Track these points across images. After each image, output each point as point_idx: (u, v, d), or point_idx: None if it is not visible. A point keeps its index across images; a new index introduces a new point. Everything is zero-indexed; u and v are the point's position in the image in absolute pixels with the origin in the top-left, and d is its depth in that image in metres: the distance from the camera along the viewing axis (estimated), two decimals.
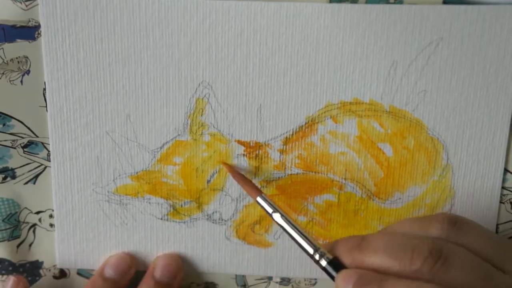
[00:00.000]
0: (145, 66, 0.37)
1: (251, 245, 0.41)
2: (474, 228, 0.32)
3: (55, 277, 0.42)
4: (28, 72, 0.38)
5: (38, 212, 0.41)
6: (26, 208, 0.41)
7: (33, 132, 0.39)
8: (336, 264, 0.31)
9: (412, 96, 0.38)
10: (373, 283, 0.29)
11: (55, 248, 0.41)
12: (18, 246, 0.41)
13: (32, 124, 0.39)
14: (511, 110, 0.38)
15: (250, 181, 0.38)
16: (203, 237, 0.41)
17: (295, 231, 0.34)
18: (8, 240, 0.41)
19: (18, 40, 0.37)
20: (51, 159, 0.39)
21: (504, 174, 0.39)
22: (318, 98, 0.38)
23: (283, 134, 0.39)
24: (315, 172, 0.40)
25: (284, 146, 0.39)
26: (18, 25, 0.37)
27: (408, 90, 0.38)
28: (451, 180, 0.40)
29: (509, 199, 0.40)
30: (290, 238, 0.34)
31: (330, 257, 0.32)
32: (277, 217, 0.35)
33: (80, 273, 0.42)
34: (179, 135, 0.39)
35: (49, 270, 0.42)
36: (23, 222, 0.41)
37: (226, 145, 0.39)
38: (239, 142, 0.39)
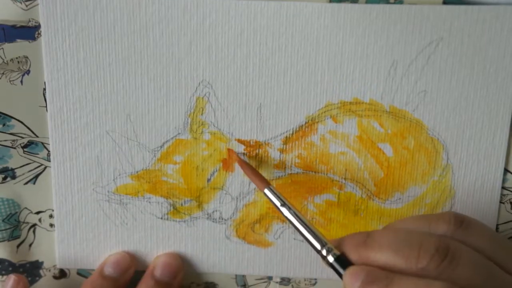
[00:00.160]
0: (145, 66, 0.38)
1: (251, 245, 0.41)
2: (480, 228, 0.32)
3: (55, 277, 0.42)
4: (28, 72, 0.38)
5: (38, 212, 0.41)
6: (26, 208, 0.41)
7: (33, 132, 0.39)
8: (343, 261, 0.31)
9: (412, 96, 0.38)
10: (382, 281, 0.29)
11: (55, 248, 0.41)
12: (18, 246, 0.41)
13: (32, 124, 0.39)
14: (511, 110, 0.38)
15: (258, 172, 0.37)
16: (203, 236, 0.41)
17: (302, 225, 0.33)
18: (8, 240, 0.41)
19: (18, 40, 0.37)
20: (51, 159, 0.39)
21: (504, 174, 0.39)
22: (318, 97, 0.38)
23: (283, 133, 0.39)
24: (315, 172, 0.40)
25: (284, 146, 0.39)
26: (18, 25, 0.37)
27: (408, 90, 0.38)
28: (451, 180, 0.40)
29: (509, 199, 0.40)
30: (295, 233, 0.33)
31: (337, 253, 0.31)
32: (284, 210, 0.34)
33: (80, 273, 0.42)
34: (179, 133, 0.39)
35: (49, 270, 0.42)
36: (23, 222, 0.41)
37: (226, 143, 0.39)
38: (239, 141, 0.39)
